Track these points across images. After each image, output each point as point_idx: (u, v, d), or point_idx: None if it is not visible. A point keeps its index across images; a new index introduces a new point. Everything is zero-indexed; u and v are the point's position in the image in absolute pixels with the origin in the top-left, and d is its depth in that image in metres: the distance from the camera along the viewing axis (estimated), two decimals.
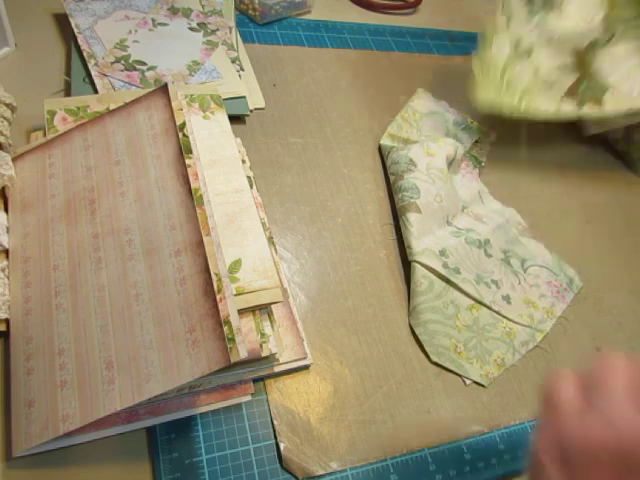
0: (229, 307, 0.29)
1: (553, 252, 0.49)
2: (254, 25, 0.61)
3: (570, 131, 0.61)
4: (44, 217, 0.36)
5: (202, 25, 0.56)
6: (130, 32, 0.52)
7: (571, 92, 0.46)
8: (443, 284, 0.43)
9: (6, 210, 0.38)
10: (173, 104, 0.37)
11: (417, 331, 0.41)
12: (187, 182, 0.34)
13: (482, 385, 0.40)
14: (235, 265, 0.34)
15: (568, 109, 0.48)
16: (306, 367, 0.37)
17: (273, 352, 0.33)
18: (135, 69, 0.49)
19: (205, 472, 0.32)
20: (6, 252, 0.36)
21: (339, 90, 0.57)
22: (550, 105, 0.48)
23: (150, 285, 0.31)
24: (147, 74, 0.49)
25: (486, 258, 0.46)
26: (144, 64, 0.50)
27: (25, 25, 0.52)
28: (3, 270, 0.35)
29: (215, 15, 0.58)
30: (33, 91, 0.46)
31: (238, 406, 0.35)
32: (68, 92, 0.47)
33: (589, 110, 0.47)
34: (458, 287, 0.43)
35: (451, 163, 0.50)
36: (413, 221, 0.44)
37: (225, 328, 0.28)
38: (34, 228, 0.36)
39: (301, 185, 0.48)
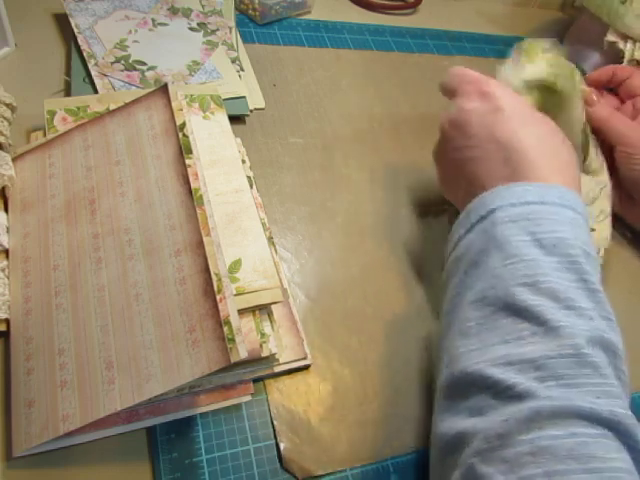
0: (229, 307, 0.29)
1: None
2: (254, 25, 0.61)
3: None
4: (44, 217, 0.36)
5: (202, 25, 0.56)
6: (130, 32, 0.52)
7: None
8: None
9: (6, 210, 0.38)
10: (173, 104, 0.37)
11: None
12: (187, 182, 0.34)
13: None
14: (235, 265, 0.34)
15: None
16: (306, 367, 0.37)
17: (273, 352, 0.33)
18: (135, 69, 0.49)
19: (205, 472, 0.32)
20: (6, 252, 0.36)
21: (339, 90, 0.57)
22: None
23: (150, 285, 0.31)
24: (147, 74, 0.49)
25: None
26: (144, 64, 0.50)
27: (25, 25, 0.52)
28: (3, 270, 0.35)
29: (215, 15, 0.58)
30: (33, 91, 0.46)
31: (238, 406, 0.35)
32: (68, 92, 0.47)
33: None
34: None
35: None
36: None
37: (225, 328, 0.28)
38: (34, 228, 0.36)
39: (301, 185, 0.48)
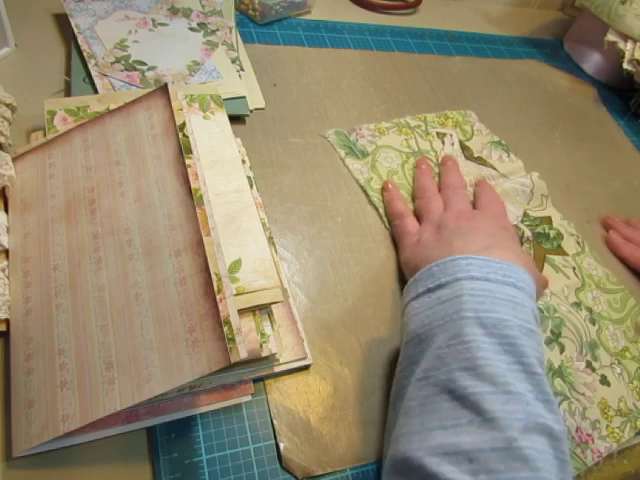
0: (229, 307, 0.29)
1: None
2: (254, 25, 0.61)
3: None
4: (44, 217, 0.36)
5: (202, 25, 0.56)
6: (130, 32, 0.52)
7: None
8: None
9: (6, 210, 0.38)
10: (173, 104, 0.37)
11: None
12: (187, 182, 0.34)
13: None
14: (235, 265, 0.34)
15: None
16: (306, 367, 0.37)
17: (273, 352, 0.33)
18: (135, 69, 0.49)
19: (205, 472, 0.32)
20: (6, 252, 0.36)
21: (339, 90, 0.57)
22: None
23: (150, 285, 0.31)
24: (147, 74, 0.49)
25: None
26: (144, 64, 0.50)
27: (25, 25, 0.52)
28: (3, 270, 0.35)
29: (215, 15, 0.58)
30: (33, 91, 0.46)
31: (238, 406, 0.35)
32: (68, 92, 0.47)
33: None
34: None
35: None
36: None
37: (225, 328, 0.28)
38: (34, 228, 0.36)
39: (301, 185, 0.48)
